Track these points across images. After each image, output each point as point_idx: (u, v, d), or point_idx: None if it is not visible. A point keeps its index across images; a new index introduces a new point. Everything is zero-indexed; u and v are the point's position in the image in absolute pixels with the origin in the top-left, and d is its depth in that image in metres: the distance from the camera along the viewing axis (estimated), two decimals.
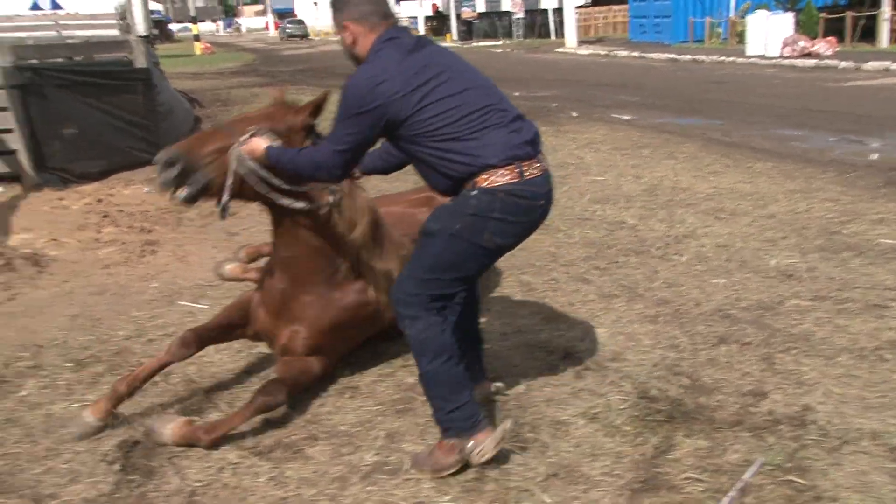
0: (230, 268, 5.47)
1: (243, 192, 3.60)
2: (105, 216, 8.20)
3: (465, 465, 3.37)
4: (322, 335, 4.02)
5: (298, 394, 3.98)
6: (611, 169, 9.52)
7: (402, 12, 48.69)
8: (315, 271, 3.95)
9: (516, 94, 18.72)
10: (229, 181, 3.51)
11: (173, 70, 23.31)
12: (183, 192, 3.55)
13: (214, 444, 3.68)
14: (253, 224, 7.69)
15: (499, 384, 4.04)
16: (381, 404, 4.04)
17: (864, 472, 3.25)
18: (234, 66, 33.17)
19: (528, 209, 3.24)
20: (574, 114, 14.60)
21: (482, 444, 3.32)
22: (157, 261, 6.70)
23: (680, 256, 6.07)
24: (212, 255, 6.75)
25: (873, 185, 7.99)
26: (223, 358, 4.64)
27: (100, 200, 8.92)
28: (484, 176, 3.13)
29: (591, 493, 3.25)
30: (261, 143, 3.48)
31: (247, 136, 3.53)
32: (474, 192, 3.15)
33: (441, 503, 3.24)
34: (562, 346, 4.60)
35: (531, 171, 3.20)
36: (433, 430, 3.58)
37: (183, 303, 5.62)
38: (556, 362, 4.40)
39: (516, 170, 3.15)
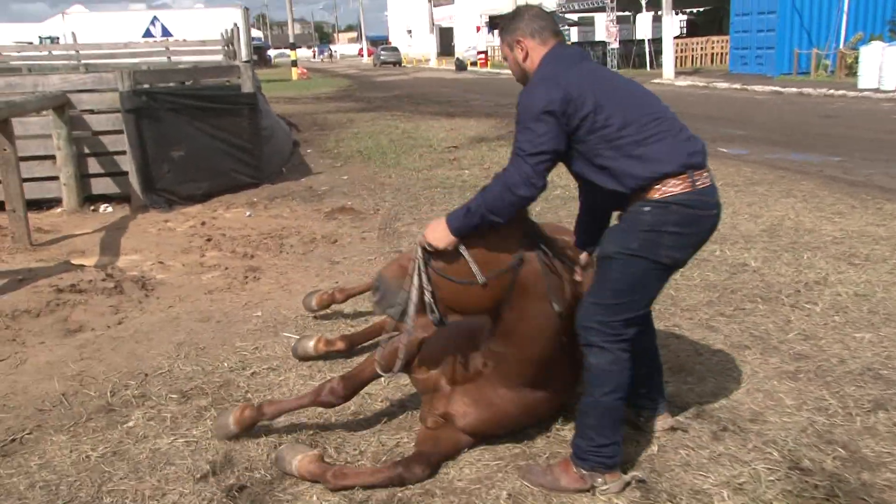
0: (311, 345, 5.05)
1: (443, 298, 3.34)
2: (209, 240, 8.22)
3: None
4: (495, 425, 3.77)
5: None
6: (725, 206, 8.96)
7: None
8: (521, 375, 3.64)
9: None
10: (414, 294, 3.28)
11: (271, 94, 23.81)
12: (391, 310, 3.35)
13: (338, 490, 3.49)
14: (354, 253, 7.57)
15: (682, 420, 3.91)
16: (501, 459, 3.75)
17: None
18: (330, 91, 33.74)
19: (702, 219, 3.19)
20: None
21: (610, 484, 3.35)
22: (259, 288, 6.60)
23: (814, 305, 5.59)
24: (315, 283, 6.61)
25: None
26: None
27: (203, 223, 8.97)
28: (657, 186, 3.08)
29: None
30: (438, 225, 3.24)
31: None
32: (647, 208, 3.11)
33: None
34: (692, 401, 4.22)
35: (702, 180, 3.15)
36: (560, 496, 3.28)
37: (287, 334, 5.47)
38: (688, 420, 4.02)
39: (689, 179, 3.10)
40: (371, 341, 5.10)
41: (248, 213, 9.54)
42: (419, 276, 3.26)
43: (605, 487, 3.34)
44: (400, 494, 3.50)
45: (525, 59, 3.38)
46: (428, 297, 3.28)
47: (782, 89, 25.33)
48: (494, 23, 50.36)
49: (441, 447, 3.73)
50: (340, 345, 5.10)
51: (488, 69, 50.16)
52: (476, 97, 28.36)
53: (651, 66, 36.93)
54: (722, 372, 4.58)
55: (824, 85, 24.98)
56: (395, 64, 69.67)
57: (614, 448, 3.35)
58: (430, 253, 3.25)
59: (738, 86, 27.45)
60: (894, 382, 4.36)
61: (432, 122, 20.26)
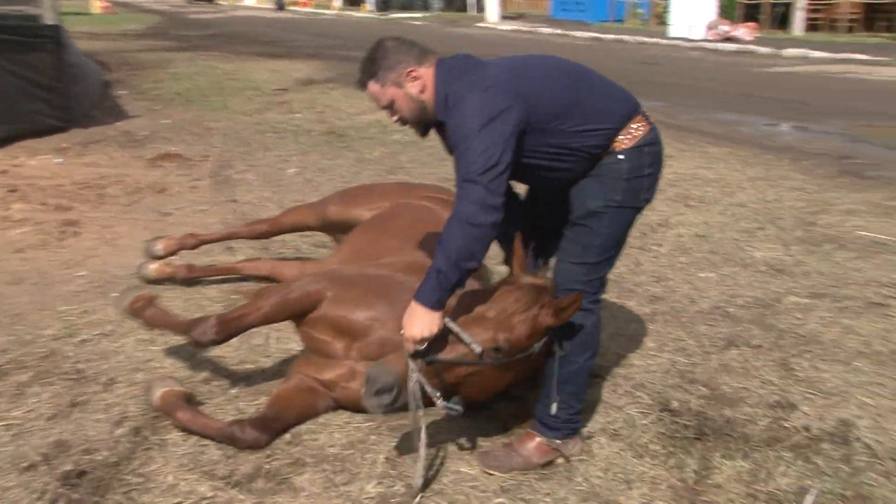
0: (154, 268, 4.97)
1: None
2: (12, 191, 7.31)
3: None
4: None
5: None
6: None
7: None
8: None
9: None
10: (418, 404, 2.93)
11: (70, 30, 21.73)
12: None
13: (178, 428, 3.39)
14: (185, 203, 7.01)
15: None
16: (372, 421, 3.54)
17: None
18: (140, 28, 31.27)
19: (662, 154, 3.15)
20: None
21: (576, 448, 3.26)
22: (80, 244, 5.93)
23: (660, 247, 5.74)
24: (143, 237, 6.03)
25: (831, 175, 7.89)
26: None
27: (4, 172, 7.99)
28: (621, 137, 2.98)
29: None
30: (412, 317, 2.85)
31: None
32: (622, 157, 2.98)
33: None
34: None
35: (647, 119, 3.09)
36: (452, 454, 3.13)
37: (115, 293, 4.94)
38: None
39: (644, 119, 3.05)
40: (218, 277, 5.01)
41: (57, 161, 8.58)
42: (420, 387, 2.91)
43: (574, 450, 3.23)
44: (266, 467, 3.21)
45: (423, 90, 2.96)
46: (441, 403, 2.95)
47: (601, 35, 26.18)
48: None
49: (290, 414, 3.48)
50: (182, 272, 4.94)
51: (309, 9, 48.53)
52: (298, 38, 27.31)
53: (474, 10, 37.08)
54: None
55: (639, 33, 26.06)
56: (208, 0, 65.87)
57: (581, 413, 3.30)
58: (424, 351, 2.88)
59: (560, 31, 28.08)
60: (740, 319, 4.53)
61: (255, 64, 19.29)
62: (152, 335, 4.36)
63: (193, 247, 5.10)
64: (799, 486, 3.04)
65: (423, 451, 2.97)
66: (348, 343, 3.50)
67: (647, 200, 3.16)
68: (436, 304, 2.80)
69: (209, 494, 3.05)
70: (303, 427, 3.51)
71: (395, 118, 3.07)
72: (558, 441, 3.20)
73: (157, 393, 3.49)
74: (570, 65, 3.12)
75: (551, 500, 3.01)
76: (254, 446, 3.30)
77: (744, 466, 3.17)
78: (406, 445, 3.26)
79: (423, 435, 2.97)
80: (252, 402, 3.69)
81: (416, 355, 2.88)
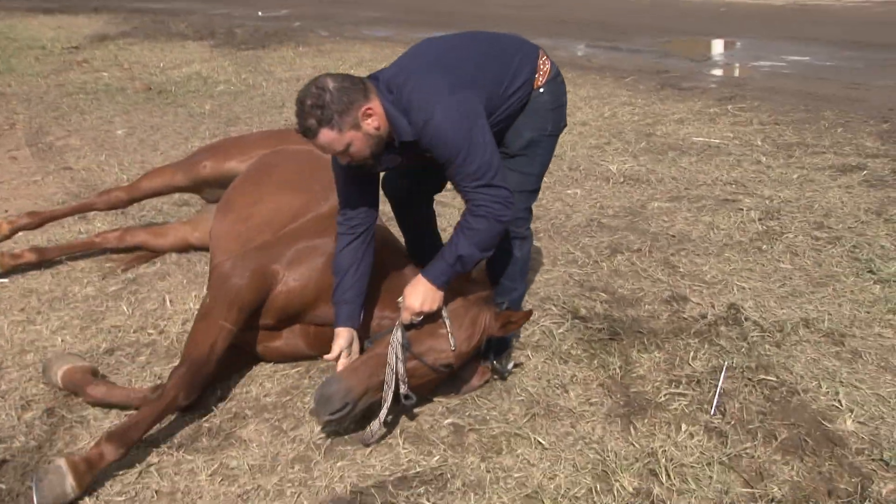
0: None
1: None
2: None
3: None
4: None
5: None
6: None
7: None
8: None
9: (260, 13, 17.57)
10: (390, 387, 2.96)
11: None
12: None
13: (95, 404, 3.21)
14: (9, 176, 6.42)
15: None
16: (300, 367, 3.51)
17: (816, 360, 3.36)
18: None
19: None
20: (324, 33, 13.95)
21: (510, 364, 3.40)
22: None
23: None
24: None
25: (653, 88, 8.45)
26: None
27: None
28: (537, 75, 3.12)
29: (581, 425, 3.05)
30: (415, 290, 2.93)
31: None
32: (542, 90, 3.14)
33: (429, 466, 2.86)
34: None
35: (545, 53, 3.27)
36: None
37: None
38: None
39: (545, 55, 3.20)
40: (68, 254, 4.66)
41: None
42: (395, 363, 2.94)
43: (508, 367, 3.36)
44: (207, 425, 3.13)
45: (379, 125, 2.81)
46: (404, 388, 2.96)
47: None
48: None
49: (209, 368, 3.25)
50: (30, 256, 4.50)
51: None
52: None
53: None
54: None
55: None
56: None
57: None
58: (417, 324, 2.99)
59: None
60: (615, 228, 4.84)
61: (30, 20, 17.70)
62: (29, 315, 4.05)
63: (37, 226, 4.63)
64: (710, 366, 3.35)
65: (386, 409, 2.97)
66: (288, 322, 3.41)
67: (564, 126, 3.34)
68: (443, 284, 2.91)
69: (154, 461, 2.94)
70: (230, 382, 3.43)
71: (348, 160, 2.88)
72: (494, 362, 3.35)
73: (58, 372, 3.27)
74: (468, 37, 3.18)
75: (497, 412, 3.14)
76: (183, 404, 3.10)
77: (659, 357, 3.45)
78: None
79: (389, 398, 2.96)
80: (167, 367, 3.53)
81: (408, 326, 2.98)
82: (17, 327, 3.94)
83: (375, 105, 2.79)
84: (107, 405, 3.23)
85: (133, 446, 2.88)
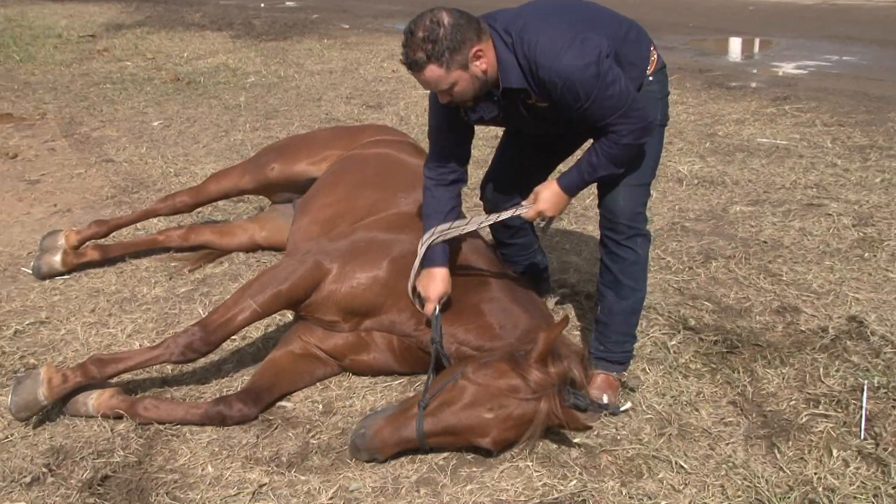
0: (59, 260, 4.21)
1: None
2: None
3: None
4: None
5: None
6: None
7: None
8: None
9: (262, 4, 17.32)
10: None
11: None
12: None
13: (147, 422, 2.99)
14: (51, 168, 6.18)
15: None
16: (400, 380, 3.29)
17: None
18: None
19: None
20: (345, 25, 13.67)
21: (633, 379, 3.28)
22: None
23: None
24: (22, 210, 5.27)
25: (700, 87, 8.22)
26: None
27: None
28: (652, 59, 3.01)
29: (721, 447, 2.84)
30: (551, 196, 2.96)
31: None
32: (651, 79, 3.00)
33: (567, 491, 2.65)
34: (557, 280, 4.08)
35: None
36: None
37: (26, 270, 4.29)
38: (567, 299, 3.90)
39: (651, 42, 3.07)
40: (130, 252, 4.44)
41: None
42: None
43: (633, 381, 3.22)
44: (314, 441, 2.91)
45: (486, 69, 2.70)
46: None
47: None
48: None
49: (283, 382, 3.19)
50: (93, 254, 4.30)
51: None
52: None
53: None
54: (556, 247, 4.51)
55: None
56: None
57: None
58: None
59: None
60: (701, 233, 4.63)
61: (40, 8, 17.37)
62: (100, 316, 3.83)
63: (104, 235, 4.39)
64: (848, 385, 3.14)
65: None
66: (358, 320, 3.21)
67: (668, 119, 3.19)
68: (574, 191, 2.97)
69: (265, 480, 2.73)
70: (330, 395, 3.22)
71: (448, 99, 2.75)
72: (625, 373, 3.16)
73: (90, 404, 3.03)
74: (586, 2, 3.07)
75: (628, 431, 2.93)
76: (242, 423, 3.01)
77: (787, 373, 3.24)
78: None
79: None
80: (237, 377, 3.34)
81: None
82: (91, 330, 3.71)
83: (487, 47, 2.70)
84: (160, 423, 3.00)
85: (109, 377, 2.96)
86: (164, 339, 3.03)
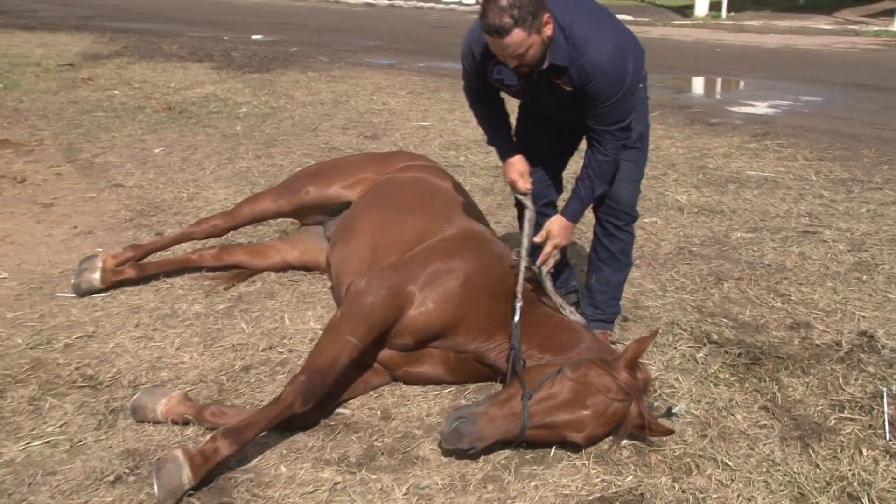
0: (98, 277, 4.28)
1: None
2: None
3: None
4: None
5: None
6: (427, 113, 9.21)
7: None
8: None
9: (252, 38, 17.47)
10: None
11: None
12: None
13: (215, 428, 2.99)
14: (62, 192, 6.25)
15: None
16: (450, 389, 3.47)
17: None
18: None
19: None
20: (324, 59, 13.91)
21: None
22: None
23: None
24: (43, 231, 5.34)
25: (682, 123, 8.61)
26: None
27: None
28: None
29: (759, 447, 3.06)
30: (563, 228, 3.48)
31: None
32: (641, 86, 3.42)
33: (625, 486, 2.84)
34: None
35: None
36: None
37: (63, 294, 4.36)
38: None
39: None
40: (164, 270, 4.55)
41: None
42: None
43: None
44: (378, 444, 3.06)
45: (550, 35, 3.07)
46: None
47: (374, 1, 26.32)
48: None
49: (339, 390, 3.30)
50: (131, 272, 4.39)
51: None
52: (39, 6, 24.97)
53: None
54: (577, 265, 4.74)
55: None
56: None
57: None
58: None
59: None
60: (708, 257, 4.90)
61: (11, 37, 17.29)
62: (145, 331, 3.93)
63: (141, 258, 4.48)
64: (868, 392, 3.40)
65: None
66: (427, 342, 3.38)
67: (649, 123, 3.70)
68: (578, 217, 3.49)
69: (338, 479, 2.88)
70: (385, 402, 3.37)
71: (516, 63, 3.04)
72: (614, 327, 3.90)
73: (158, 410, 3.14)
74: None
75: (676, 437, 3.13)
76: (305, 427, 3.17)
77: (811, 382, 3.49)
78: None
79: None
80: None
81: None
82: (139, 343, 3.82)
83: (549, 17, 3.00)
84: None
85: (246, 445, 2.89)
86: (281, 393, 2.99)
